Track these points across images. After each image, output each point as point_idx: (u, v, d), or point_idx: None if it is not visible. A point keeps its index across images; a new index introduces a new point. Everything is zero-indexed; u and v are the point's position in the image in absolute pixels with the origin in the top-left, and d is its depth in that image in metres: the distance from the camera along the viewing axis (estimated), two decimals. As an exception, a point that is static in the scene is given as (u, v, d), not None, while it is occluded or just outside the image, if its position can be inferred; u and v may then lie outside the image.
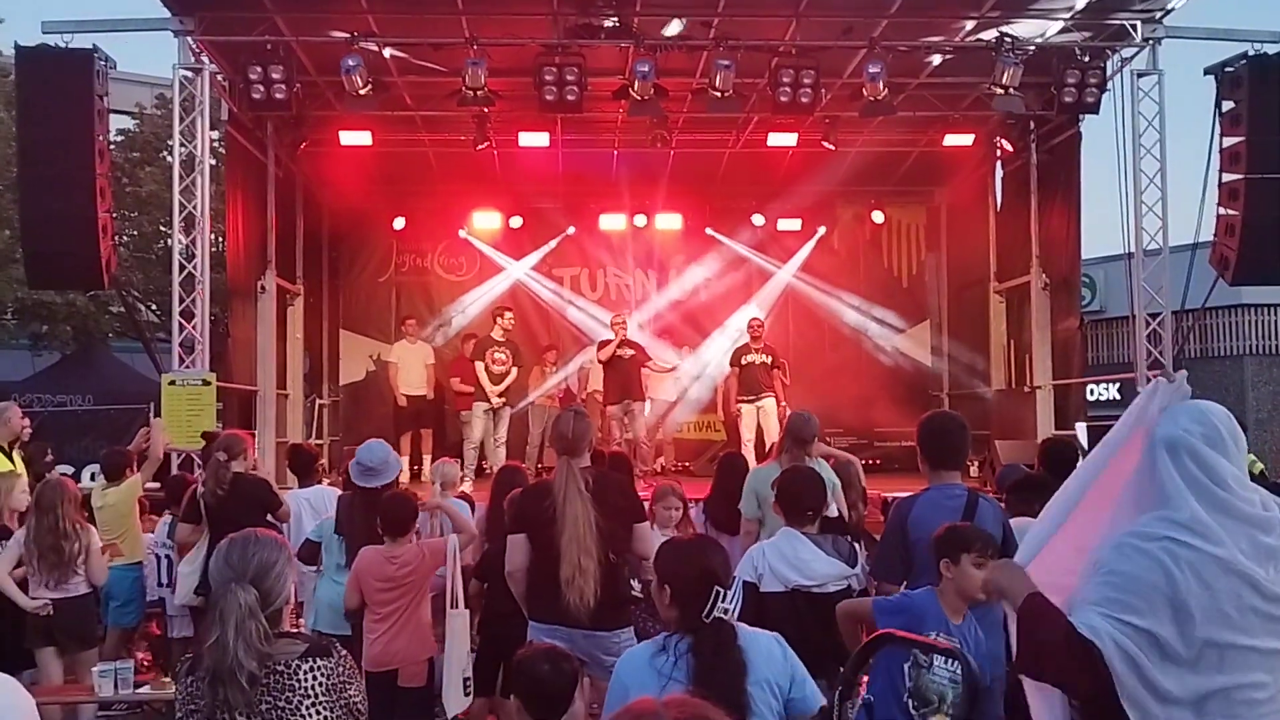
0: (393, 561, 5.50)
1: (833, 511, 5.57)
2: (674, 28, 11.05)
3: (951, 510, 4.38)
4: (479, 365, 12.42)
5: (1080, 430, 11.58)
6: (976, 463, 12.15)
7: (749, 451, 11.52)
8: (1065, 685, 2.40)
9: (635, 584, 5.10)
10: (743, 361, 12.46)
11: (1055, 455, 6.11)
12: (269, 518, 6.57)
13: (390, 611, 5.47)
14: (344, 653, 2.86)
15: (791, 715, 3.11)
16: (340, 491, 7.20)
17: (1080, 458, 4.93)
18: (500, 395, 12.37)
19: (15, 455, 7.87)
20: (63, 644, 6.22)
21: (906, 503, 4.55)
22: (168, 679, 5.83)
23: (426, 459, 13.05)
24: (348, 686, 2.82)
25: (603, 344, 12.54)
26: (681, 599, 3.11)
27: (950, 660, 3.30)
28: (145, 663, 7.28)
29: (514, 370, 12.52)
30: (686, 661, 3.00)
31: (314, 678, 2.75)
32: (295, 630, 2.91)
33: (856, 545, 5.07)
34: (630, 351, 12.32)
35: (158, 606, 7.64)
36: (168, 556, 7.44)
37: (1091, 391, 12.04)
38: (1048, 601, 2.41)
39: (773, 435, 11.80)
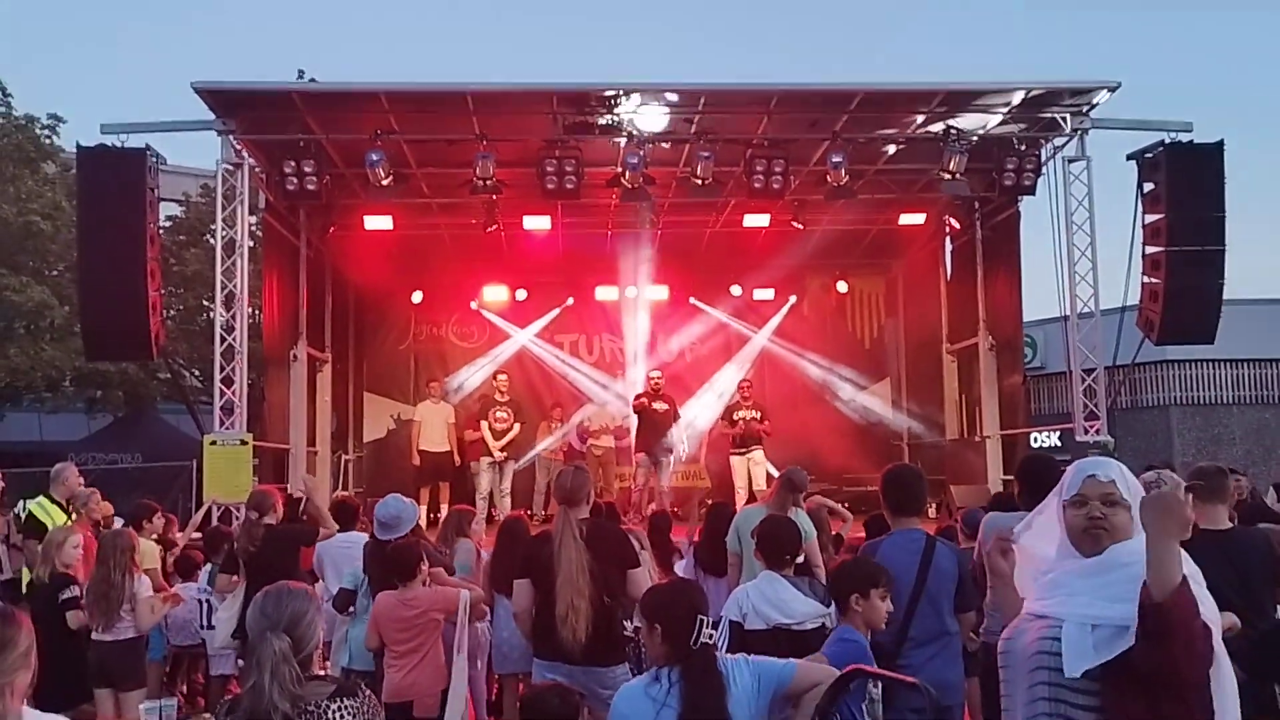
0: (406, 604, 5.44)
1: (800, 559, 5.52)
2: (660, 122, 11.18)
3: (912, 553, 4.36)
4: (483, 424, 12.47)
5: (1026, 475, 11.54)
6: (934, 505, 12.10)
7: (741, 500, 11.50)
8: (1195, 671, 2.28)
9: (629, 625, 5.04)
10: (734, 417, 12.52)
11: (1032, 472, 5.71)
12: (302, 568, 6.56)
13: (407, 650, 5.40)
14: (368, 692, 2.83)
15: (781, 693, 3.07)
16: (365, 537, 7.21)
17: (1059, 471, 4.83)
18: (502, 450, 12.39)
19: (71, 511, 7.81)
20: (116, 683, 6.13)
21: (872, 546, 4.53)
22: (208, 715, 5.74)
23: (444, 508, 12.97)
24: (373, 723, 2.79)
25: (638, 396, 12.56)
26: (672, 634, 3.09)
27: (911, 693, 3.26)
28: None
29: (516, 426, 12.56)
30: (679, 688, 2.98)
31: (342, 717, 2.72)
32: (324, 673, 2.87)
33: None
34: (664, 406, 12.32)
35: (200, 647, 7.56)
36: (208, 601, 7.36)
37: (1035, 440, 12.03)
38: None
39: (759, 483, 11.84)
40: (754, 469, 12.12)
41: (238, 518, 10.05)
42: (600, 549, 4.77)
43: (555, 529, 4.84)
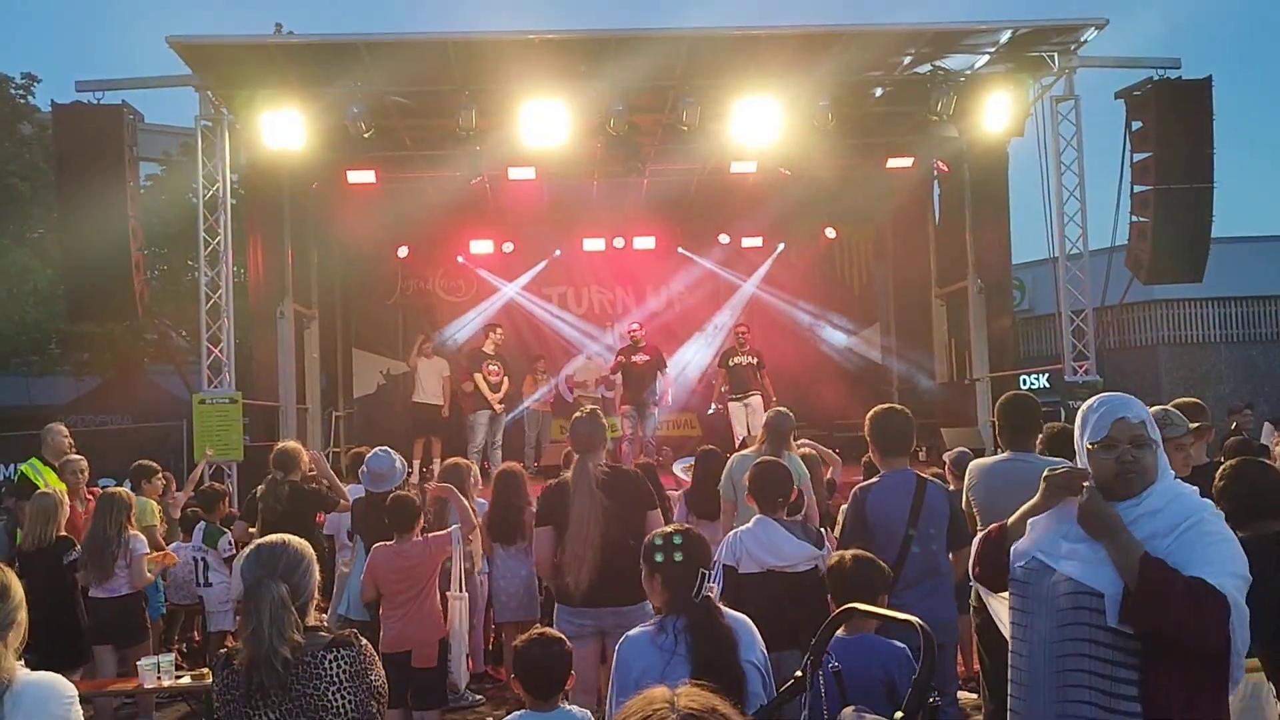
0: (402, 556, 5.50)
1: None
2: (644, 68, 11.00)
3: (904, 494, 4.39)
4: (477, 377, 12.45)
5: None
6: (925, 449, 12.16)
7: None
8: (1185, 633, 2.29)
9: None
10: (730, 363, 12.46)
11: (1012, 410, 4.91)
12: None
13: (403, 600, 5.45)
14: (364, 642, 2.84)
15: None
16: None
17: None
18: (500, 402, 12.44)
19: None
20: (115, 640, 6.15)
21: (864, 489, 4.55)
22: (206, 670, 5.78)
23: (436, 462, 13.00)
24: (368, 672, 2.79)
25: (618, 352, 12.57)
26: (672, 584, 3.09)
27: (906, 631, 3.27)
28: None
29: (506, 379, 12.57)
30: (685, 639, 2.96)
31: (338, 666, 2.73)
32: (320, 624, 2.87)
33: (823, 529, 5.07)
34: (645, 357, 12.31)
35: (197, 604, 7.60)
36: (204, 559, 7.38)
37: (1024, 382, 12.05)
38: (1162, 562, 2.33)
39: (757, 429, 11.82)
40: (752, 416, 12.10)
41: (229, 475, 10.06)
42: (619, 493, 4.84)
43: (573, 477, 4.91)
